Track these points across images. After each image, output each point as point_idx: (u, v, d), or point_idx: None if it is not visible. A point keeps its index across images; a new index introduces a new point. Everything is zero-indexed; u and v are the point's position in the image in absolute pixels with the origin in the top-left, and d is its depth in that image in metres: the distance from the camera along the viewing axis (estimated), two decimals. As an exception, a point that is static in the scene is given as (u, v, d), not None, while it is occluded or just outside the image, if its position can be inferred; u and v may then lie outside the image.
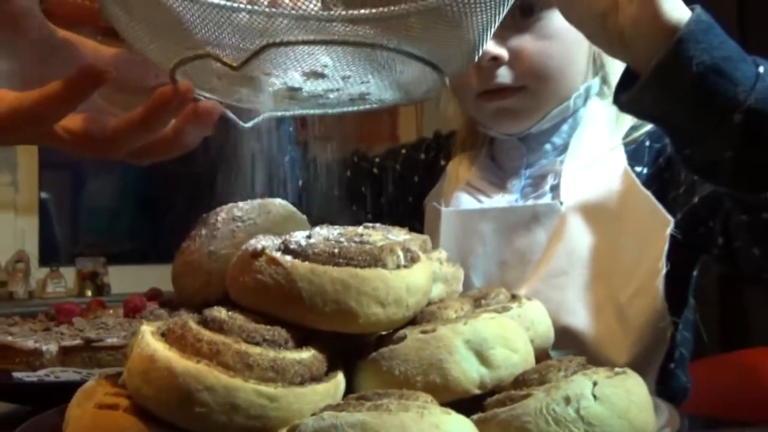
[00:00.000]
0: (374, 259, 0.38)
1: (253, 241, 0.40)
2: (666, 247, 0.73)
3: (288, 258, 0.37)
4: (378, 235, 0.41)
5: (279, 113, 0.47)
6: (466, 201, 0.87)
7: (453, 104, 0.92)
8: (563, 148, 0.83)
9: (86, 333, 0.64)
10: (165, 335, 0.35)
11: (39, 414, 0.44)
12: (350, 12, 0.42)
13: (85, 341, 0.61)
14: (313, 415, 0.32)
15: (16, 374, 0.60)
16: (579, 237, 0.78)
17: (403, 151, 0.98)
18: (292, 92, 0.42)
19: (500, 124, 0.84)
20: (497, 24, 0.44)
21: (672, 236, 0.73)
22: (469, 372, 0.37)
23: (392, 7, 0.39)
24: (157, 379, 0.33)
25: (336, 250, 0.38)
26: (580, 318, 0.76)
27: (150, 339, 0.34)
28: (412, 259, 0.40)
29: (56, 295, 2.23)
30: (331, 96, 0.43)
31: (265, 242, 0.39)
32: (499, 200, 0.85)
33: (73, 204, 2.57)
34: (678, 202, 0.74)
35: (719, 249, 0.70)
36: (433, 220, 0.89)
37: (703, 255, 0.80)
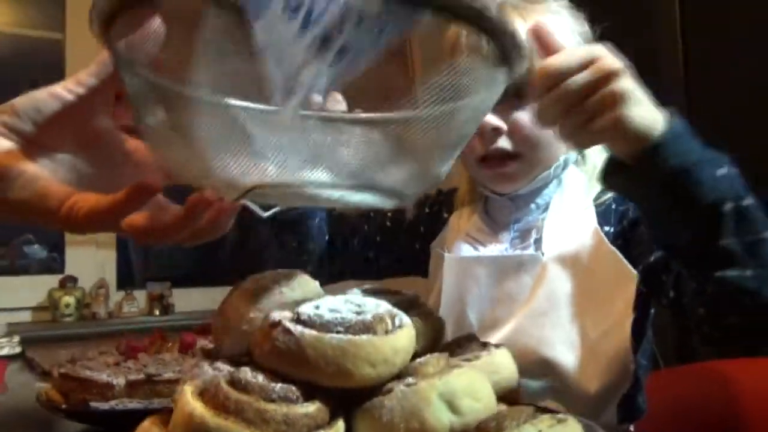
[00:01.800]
0: (367, 327, 0.41)
1: (273, 313, 0.43)
2: (633, 298, 0.75)
3: (299, 328, 0.40)
4: (372, 304, 0.44)
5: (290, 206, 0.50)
6: (465, 249, 0.89)
7: (456, 165, 0.95)
8: (545, 207, 0.86)
9: (148, 368, 0.67)
10: (202, 394, 0.38)
11: None
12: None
13: (147, 376, 0.64)
14: (314, 460, 0.35)
15: (93, 403, 0.63)
16: (557, 282, 0.80)
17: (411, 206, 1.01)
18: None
19: (498, 185, 0.87)
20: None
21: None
22: (441, 419, 0.39)
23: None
24: None
25: (337, 321, 0.41)
26: (557, 351, 0.77)
27: (189, 398, 0.37)
28: (399, 326, 0.43)
29: (131, 315, 2.27)
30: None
31: (282, 314, 0.42)
32: (492, 249, 0.87)
33: (144, 237, 2.63)
34: (642, 257, 0.76)
35: (669, 301, 0.72)
36: (437, 263, 0.92)
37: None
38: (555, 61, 0.54)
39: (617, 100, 0.54)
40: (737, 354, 0.92)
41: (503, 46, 0.44)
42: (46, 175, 0.48)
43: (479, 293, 0.85)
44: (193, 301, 2.34)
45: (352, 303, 0.44)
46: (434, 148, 0.44)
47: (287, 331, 0.40)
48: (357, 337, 0.40)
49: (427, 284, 0.96)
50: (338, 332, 0.40)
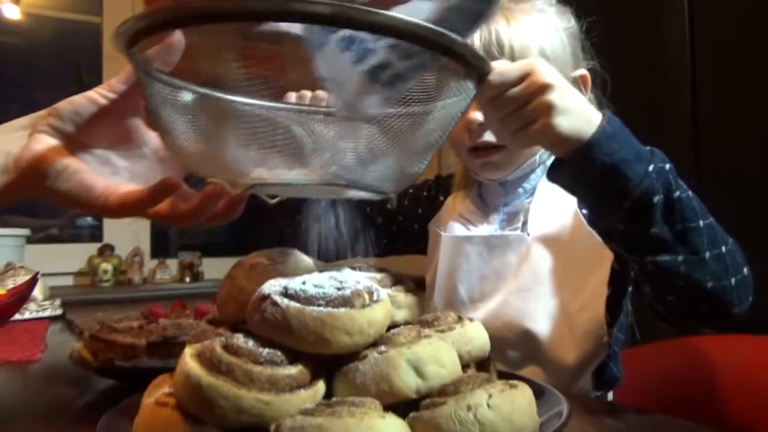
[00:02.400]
0: (345, 301, 0.44)
1: (264, 286, 0.46)
2: (607, 276, 0.78)
3: (285, 301, 0.43)
4: (353, 281, 0.47)
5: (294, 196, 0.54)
6: (458, 228, 0.92)
7: (452, 154, 0.98)
8: (532, 192, 0.88)
9: (166, 332, 0.71)
10: (199, 356, 0.42)
11: (131, 394, 0.51)
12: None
13: (164, 338, 0.69)
14: (292, 416, 0.38)
15: (117, 362, 0.68)
16: (540, 261, 0.83)
17: (411, 190, 1.04)
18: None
19: (486, 173, 0.89)
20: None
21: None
22: (408, 383, 0.42)
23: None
24: (191, 390, 0.39)
25: (319, 295, 0.44)
26: (538, 323, 0.81)
27: (189, 359, 0.41)
28: (375, 300, 0.46)
29: (163, 281, 2.34)
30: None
31: (272, 288, 0.45)
32: (483, 229, 0.90)
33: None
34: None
35: (632, 283, 0.75)
36: (435, 241, 0.95)
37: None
38: (495, 75, 0.57)
39: (547, 110, 0.58)
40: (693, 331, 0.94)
41: (473, 67, 0.49)
42: (85, 168, 0.54)
43: (469, 269, 0.88)
44: (220, 269, 2.38)
45: (335, 279, 0.47)
46: (409, 150, 0.48)
47: (275, 303, 0.43)
48: (336, 309, 0.43)
49: (426, 261, 0.99)
50: (319, 305, 0.43)
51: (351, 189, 0.49)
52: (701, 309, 0.64)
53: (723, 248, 0.63)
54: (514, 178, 0.89)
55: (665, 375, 0.98)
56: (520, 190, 0.89)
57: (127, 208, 0.51)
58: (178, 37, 0.49)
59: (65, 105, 0.54)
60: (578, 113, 0.60)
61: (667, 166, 0.62)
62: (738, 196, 1.30)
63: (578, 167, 0.60)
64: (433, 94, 0.48)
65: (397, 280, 0.54)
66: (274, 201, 0.53)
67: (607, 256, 0.78)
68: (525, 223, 0.86)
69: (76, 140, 0.54)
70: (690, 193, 0.63)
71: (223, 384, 0.39)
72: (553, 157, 0.89)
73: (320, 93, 0.67)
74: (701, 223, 0.62)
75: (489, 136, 0.83)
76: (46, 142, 0.53)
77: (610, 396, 0.86)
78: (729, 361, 0.96)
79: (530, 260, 0.83)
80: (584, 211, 0.82)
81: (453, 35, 0.43)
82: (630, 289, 0.83)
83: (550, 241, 0.83)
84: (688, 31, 1.46)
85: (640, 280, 0.67)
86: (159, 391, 0.45)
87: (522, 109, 0.59)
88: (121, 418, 0.44)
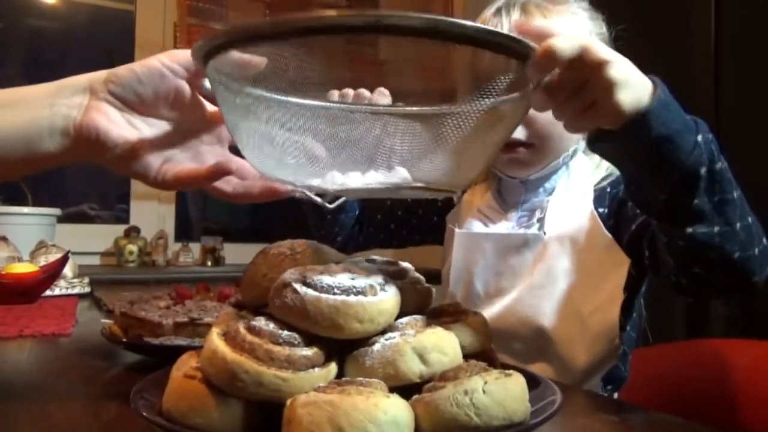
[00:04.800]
0: (358, 291, 0.48)
1: (285, 275, 0.50)
2: (624, 280, 0.80)
3: (304, 289, 0.47)
4: (366, 273, 0.51)
5: (353, 198, 0.59)
6: (476, 224, 0.96)
7: None
8: (551, 191, 0.91)
9: (192, 313, 0.76)
10: (224, 335, 0.47)
11: (157, 368, 0.54)
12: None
13: (190, 319, 0.74)
14: (306, 392, 0.43)
15: (146, 338, 0.73)
16: (556, 260, 0.86)
17: None
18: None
19: (511, 170, 0.93)
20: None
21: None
22: (412, 368, 0.46)
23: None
24: (216, 365, 0.44)
25: (335, 285, 0.48)
26: (551, 322, 0.84)
27: (215, 338, 0.46)
28: (386, 292, 0.50)
29: (186, 264, 2.41)
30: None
31: (292, 276, 0.50)
32: (500, 226, 0.94)
33: (202, 195, 2.76)
34: (627, 231, 0.82)
35: (647, 259, 0.78)
36: (451, 235, 0.99)
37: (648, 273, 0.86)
38: (549, 45, 0.52)
39: (610, 87, 0.55)
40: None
41: (514, 51, 0.50)
42: (144, 144, 0.57)
43: (486, 265, 0.92)
44: (241, 254, 2.46)
45: (350, 271, 0.51)
46: (465, 160, 0.52)
47: (294, 290, 0.47)
48: (349, 298, 0.47)
49: (442, 253, 1.03)
50: (335, 294, 0.47)
51: (424, 190, 0.53)
52: (726, 280, 0.66)
53: (749, 219, 0.65)
54: (535, 178, 0.92)
55: (671, 376, 1.01)
56: (541, 189, 0.93)
57: (182, 183, 0.58)
58: (261, 59, 0.51)
59: (125, 73, 0.56)
60: (636, 82, 0.57)
61: (710, 136, 0.61)
62: (759, 202, 1.31)
63: (628, 138, 0.58)
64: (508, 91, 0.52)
65: (407, 273, 0.59)
66: (333, 205, 0.56)
67: (623, 261, 0.81)
68: (541, 221, 0.89)
69: (134, 109, 0.57)
70: (726, 163, 0.63)
71: (245, 360, 0.43)
72: (576, 159, 0.91)
73: (362, 91, 0.70)
74: (735, 194, 0.64)
75: (518, 133, 0.86)
76: (107, 112, 0.55)
77: (615, 396, 0.90)
78: (736, 364, 0.98)
79: (546, 259, 0.86)
80: (601, 210, 0.85)
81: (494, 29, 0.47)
82: (643, 288, 0.86)
83: (566, 242, 0.86)
84: (714, 41, 1.46)
85: (667, 251, 0.69)
86: (186, 365, 0.50)
87: (580, 91, 0.56)
88: (152, 388, 0.49)
